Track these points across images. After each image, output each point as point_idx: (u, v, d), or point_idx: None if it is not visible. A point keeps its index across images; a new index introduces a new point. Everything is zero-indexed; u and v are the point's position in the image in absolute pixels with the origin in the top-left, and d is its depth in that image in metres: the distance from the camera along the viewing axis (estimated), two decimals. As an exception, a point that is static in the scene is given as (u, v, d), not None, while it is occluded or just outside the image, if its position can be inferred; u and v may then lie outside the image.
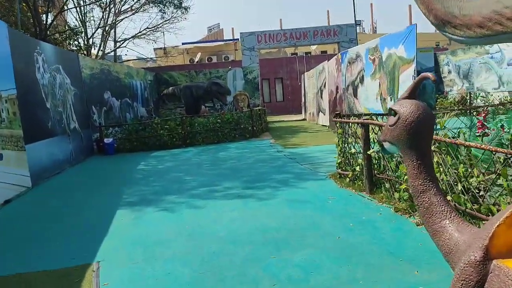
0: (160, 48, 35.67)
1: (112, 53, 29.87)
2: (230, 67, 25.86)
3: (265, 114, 19.62)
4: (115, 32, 29.89)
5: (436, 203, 2.09)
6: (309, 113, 23.98)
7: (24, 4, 20.50)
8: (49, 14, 22.05)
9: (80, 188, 9.16)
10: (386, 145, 2.44)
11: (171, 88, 23.46)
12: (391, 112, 2.43)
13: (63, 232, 5.95)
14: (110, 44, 30.64)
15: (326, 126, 18.72)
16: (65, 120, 12.56)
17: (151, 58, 34.03)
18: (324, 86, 19.00)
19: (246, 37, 25.92)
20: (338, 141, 7.94)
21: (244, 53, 25.98)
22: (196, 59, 38.51)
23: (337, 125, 8.01)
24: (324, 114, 19.23)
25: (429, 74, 2.82)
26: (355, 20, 26.62)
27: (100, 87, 16.50)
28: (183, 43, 39.34)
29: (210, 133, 16.07)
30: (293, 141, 14.73)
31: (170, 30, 31.82)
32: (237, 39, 40.61)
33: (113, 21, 27.97)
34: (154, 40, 30.81)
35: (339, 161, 7.95)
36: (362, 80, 13.18)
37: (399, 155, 5.60)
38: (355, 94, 14.04)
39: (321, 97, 19.81)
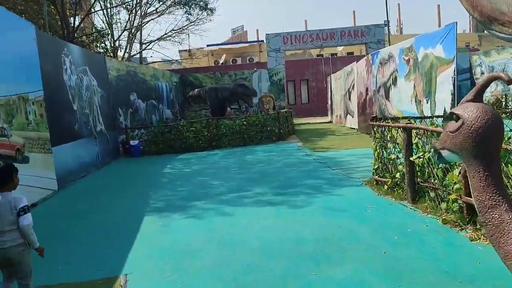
0: (185, 50, 35.68)
1: (138, 55, 29.93)
2: (255, 69, 25.58)
3: (292, 116, 19.20)
4: (141, 34, 29.98)
5: (509, 220, 1.83)
6: (335, 116, 23.50)
7: (52, 7, 20.68)
8: (77, 17, 22.20)
9: (106, 192, 8.97)
10: (445, 153, 2.17)
11: (196, 90, 23.25)
12: (453, 116, 2.14)
13: (89, 239, 5.71)
14: (136, 46, 30.78)
15: (354, 128, 18.23)
16: (92, 122, 12.46)
17: (176, 60, 34.00)
18: (353, 87, 18.51)
19: (272, 38, 25.59)
20: (375, 146, 7.50)
21: (270, 55, 25.63)
22: (221, 61, 38.33)
23: (374, 129, 7.58)
24: (353, 117, 18.74)
25: (502, 74, 2.43)
26: (387, 20, 26.01)
27: (126, 89, 16.43)
28: (207, 45, 39.25)
29: (236, 136, 15.80)
30: (321, 144, 14.30)
31: (195, 31, 31.57)
32: (262, 41, 40.38)
33: (139, 23, 28.06)
34: (179, 42, 30.69)
35: (376, 167, 7.52)
36: (395, 81, 12.67)
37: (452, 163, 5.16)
38: (387, 96, 13.53)
39: (349, 99, 19.32)
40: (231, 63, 38.13)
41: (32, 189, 7.93)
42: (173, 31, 29.59)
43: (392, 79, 12.88)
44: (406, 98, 11.75)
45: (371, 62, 15.12)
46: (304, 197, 7.08)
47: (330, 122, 25.15)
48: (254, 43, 40.20)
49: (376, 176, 7.46)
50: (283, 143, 15.81)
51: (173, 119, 21.59)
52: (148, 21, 29.76)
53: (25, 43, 8.68)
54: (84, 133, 11.71)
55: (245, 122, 16.22)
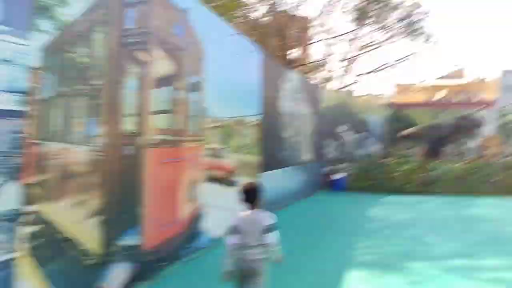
0: (400, 84, 33.92)
1: (351, 87, 29.65)
2: (483, 106, 22.44)
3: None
4: (355, 65, 29.86)
5: None
6: None
7: (277, 39, 21.90)
8: (296, 48, 23.08)
9: (306, 230, 8.36)
10: None
11: (412, 128, 21.55)
12: None
13: None
14: (348, 77, 30.66)
15: None
16: (299, 151, 12.22)
17: (385, 94, 32.54)
18: None
19: (509, 74, 22.19)
20: None
21: (503, 92, 22.21)
22: (439, 97, 35.29)
23: None
24: None
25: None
26: None
27: (336, 120, 15.99)
28: (420, 81, 36.62)
29: (454, 181, 13.70)
30: None
31: (413, 64, 29.49)
32: (484, 78, 36.01)
33: (355, 55, 27.78)
34: (393, 75, 29.07)
35: None
36: None
37: None
38: None
39: None
40: (448, 100, 34.81)
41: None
42: (389, 63, 28.62)
43: None
44: None
45: None
46: None
47: None
48: (477, 81, 35.82)
49: None
50: None
51: (381, 155, 20.30)
52: (364, 52, 29.55)
53: (252, 66, 8.83)
54: (291, 161, 11.49)
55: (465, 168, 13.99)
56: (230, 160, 7.65)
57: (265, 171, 9.35)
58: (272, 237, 3.51)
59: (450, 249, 6.78)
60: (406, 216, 9.86)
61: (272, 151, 9.99)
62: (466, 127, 17.37)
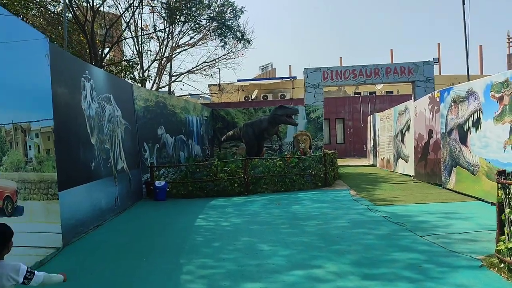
0: (215, 85, 34.20)
1: (166, 88, 28.54)
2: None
3: (336, 158, 17.03)
4: (170, 65, 28.95)
5: None
6: (381, 159, 21.27)
7: (81, 36, 19.45)
8: (105, 44, 20.90)
9: (122, 253, 6.84)
10: None
11: (230, 132, 21.64)
12: None
13: None
14: (165, 78, 29.61)
15: (409, 175, 15.99)
16: (112, 159, 10.51)
17: (205, 93, 32.54)
18: (408, 129, 16.35)
19: (310, 73, 23.70)
20: (506, 212, 5.23)
21: (308, 90, 23.67)
22: (253, 96, 36.80)
23: (502, 190, 5.32)
24: (407, 162, 16.51)
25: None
26: (436, 58, 23.90)
27: (153, 122, 14.65)
28: (238, 80, 37.84)
29: (276, 179, 13.72)
30: (379, 195, 12.02)
31: (229, 64, 29.99)
32: (294, 77, 39.06)
33: (170, 54, 26.81)
34: (211, 75, 29.16)
35: (505, 243, 5.21)
36: (477, 123, 10.41)
37: None
38: (463, 141, 11.24)
39: (402, 142, 17.13)
40: (261, 99, 36.62)
41: (25, 250, 5.86)
42: (205, 63, 28.44)
43: (473, 120, 10.62)
44: (497, 145, 9.44)
45: (438, 100, 12.93)
46: (410, 287, 4.80)
47: (373, 165, 22.93)
48: (286, 79, 38.64)
49: (508, 258, 5.13)
50: (330, 190, 13.68)
51: (203, 157, 19.71)
52: (179, 52, 28.80)
53: (37, 62, 6.85)
54: (102, 172, 9.73)
55: (285, 164, 14.12)
56: (4, 182, 5.64)
57: (65, 188, 7.46)
58: (34, 283, 3.04)
59: (285, 259, 6.09)
60: (235, 222, 9.09)
61: (73, 163, 8.13)
62: (283, 115, 17.61)
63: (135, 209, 11.32)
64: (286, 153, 19.42)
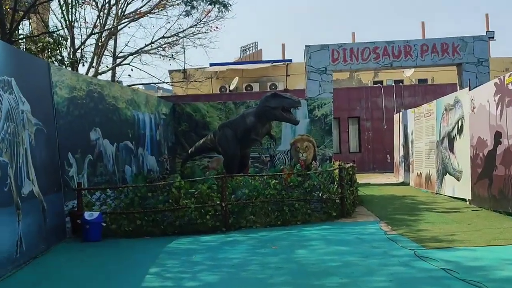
0: (178, 70, 33.12)
1: (109, 74, 27.42)
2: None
3: (354, 174, 15.89)
4: (115, 42, 28.02)
5: None
6: (417, 175, 20.41)
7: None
8: (18, 12, 19.46)
9: None
10: None
11: (201, 140, 19.40)
12: None
13: None
14: (107, 61, 28.47)
15: (464, 199, 15.02)
16: (12, 178, 9.14)
17: (164, 82, 31.27)
18: (459, 131, 15.44)
19: (314, 53, 22.43)
20: None
21: (311, 77, 22.45)
22: (232, 87, 35.85)
23: None
24: (458, 180, 15.58)
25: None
26: (491, 31, 23.03)
27: (84, 121, 13.52)
28: (211, 64, 36.97)
29: (269, 208, 12.65)
30: (428, 231, 10.87)
31: (198, 41, 28.64)
32: (289, 61, 38.33)
33: (114, 26, 25.54)
34: (172, 56, 28.08)
35: None
36: None
37: None
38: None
39: (451, 150, 16.26)
40: (244, 90, 35.84)
41: None
42: (163, 40, 27.30)
43: None
44: None
45: (511, 87, 11.86)
46: None
47: (404, 184, 21.98)
48: (279, 63, 37.97)
49: None
50: (350, 222, 12.71)
51: (160, 174, 18.50)
52: (127, 24, 27.53)
53: None
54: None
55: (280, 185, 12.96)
56: None
57: None
58: None
59: None
60: (207, 280, 7.69)
61: None
62: (278, 107, 15.89)
63: (51, 258, 9.92)
64: (281, 167, 18.42)
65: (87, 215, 11.39)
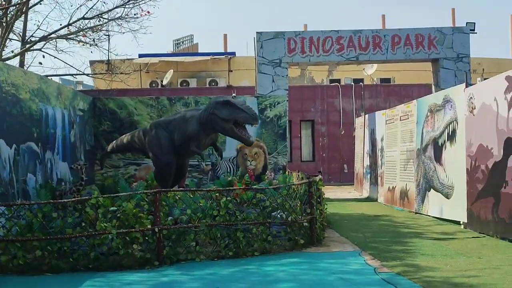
0: (101, 61, 32.08)
1: (16, 60, 25.67)
2: (234, 95, 20.91)
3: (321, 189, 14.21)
4: (25, 24, 26.26)
5: None
6: (388, 189, 19.03)
7: None
8: None
9: None
10: None
11: (124, 137, 17.20)
12: None
13: None
14: (14, 45, 26.48)
15: (457, 222, 13.59)
16: None
17: (84, 73, 29.31)
18: (451, 137, 14.14)
19: (267, 41, 20.85)
20: None
21: (263, 70, 20.78)
22: (165, 81, 34.36)
23: None
24: (448, 198, 14.25)
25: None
26: (472, 23, 21.86)
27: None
28: (140, 55, 35.53)
29: (217, 233, 10.80)
30: (428, 267, 9.20)
31: (125, 25, 27.16)
32: (232, 54, 37.39)
33: (21, 1, 23.42)
34: (94, 43, 26.53)
35: None
36: None
37: None
38: None
39: (438, 161, 14.91)
40: (179, 86, 34.76)
41: None
42: (83, 22, 25.65)
43: None
44: None
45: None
46: None
47: (371, 199, 20.68)
48: (220, 56, 37.03)
49: None
50: (323, 252, 10.93)
51: (74, 185, 16.36)
52: (38, 2, 25.65)
53: None
54: None
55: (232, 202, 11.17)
56: None
57: None
58: None
59: None
60: None
61: None
62: (221, 133, 14.19)
63: None
64: (228, 178, 16.86)
65: (-37, 245, 9.23)
